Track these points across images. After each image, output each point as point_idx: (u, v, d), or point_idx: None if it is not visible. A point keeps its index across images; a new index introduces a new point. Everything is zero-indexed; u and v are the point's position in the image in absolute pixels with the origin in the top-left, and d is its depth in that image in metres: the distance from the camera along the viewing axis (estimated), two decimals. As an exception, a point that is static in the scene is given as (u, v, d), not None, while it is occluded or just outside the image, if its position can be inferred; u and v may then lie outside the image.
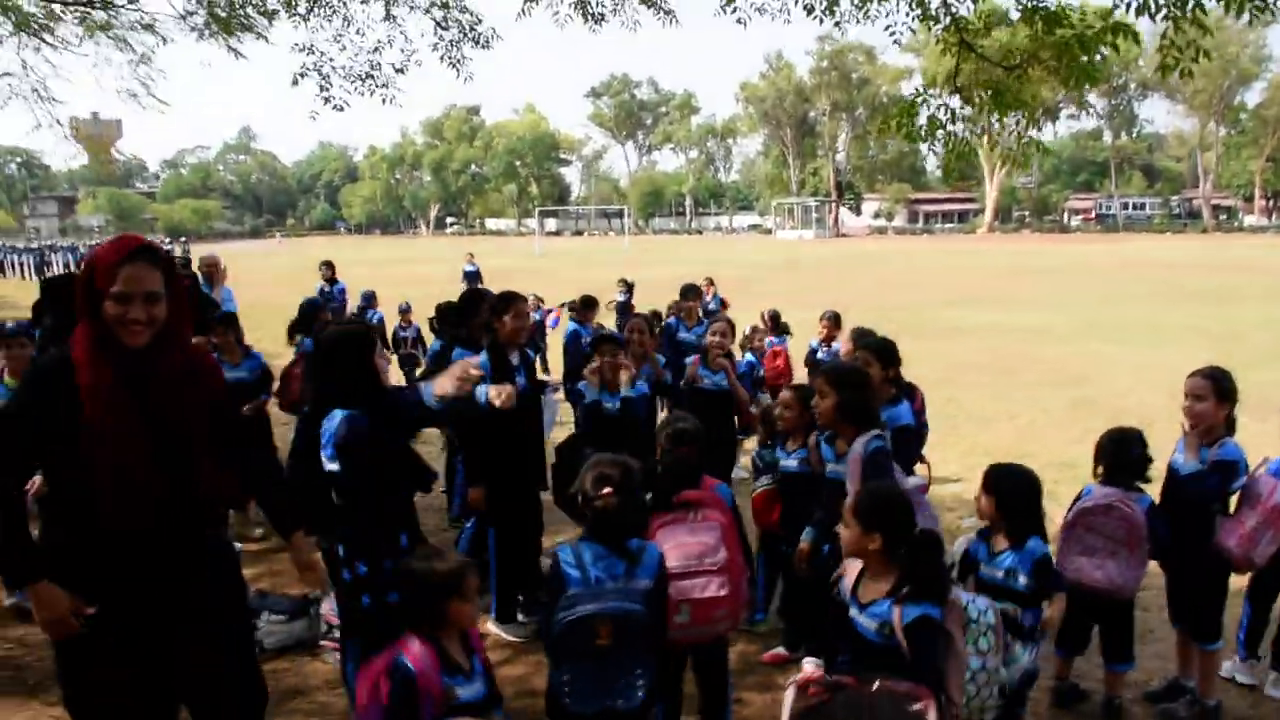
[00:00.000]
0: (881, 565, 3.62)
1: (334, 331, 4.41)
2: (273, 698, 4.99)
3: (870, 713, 3.32)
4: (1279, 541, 4.69)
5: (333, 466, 4.01)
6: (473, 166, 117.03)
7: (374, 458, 4.05)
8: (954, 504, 8.78)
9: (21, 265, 52.02)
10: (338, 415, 4.00)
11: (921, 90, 8.22)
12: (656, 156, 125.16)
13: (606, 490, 3.54)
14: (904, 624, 3.42)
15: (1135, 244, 61.09)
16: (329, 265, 16.10)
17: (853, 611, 3.68)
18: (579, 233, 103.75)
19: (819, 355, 10.11)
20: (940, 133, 8.05)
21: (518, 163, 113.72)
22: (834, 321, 10.19)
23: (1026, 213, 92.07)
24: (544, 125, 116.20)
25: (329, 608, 5.91)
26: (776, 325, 11.15)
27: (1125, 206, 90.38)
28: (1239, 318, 22.32)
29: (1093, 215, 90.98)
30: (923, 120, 7.99)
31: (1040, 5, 7.45)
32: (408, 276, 35.84)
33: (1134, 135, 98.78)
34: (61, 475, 3.09)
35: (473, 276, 24.56)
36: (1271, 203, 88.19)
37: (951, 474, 9.72)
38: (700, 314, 10.76)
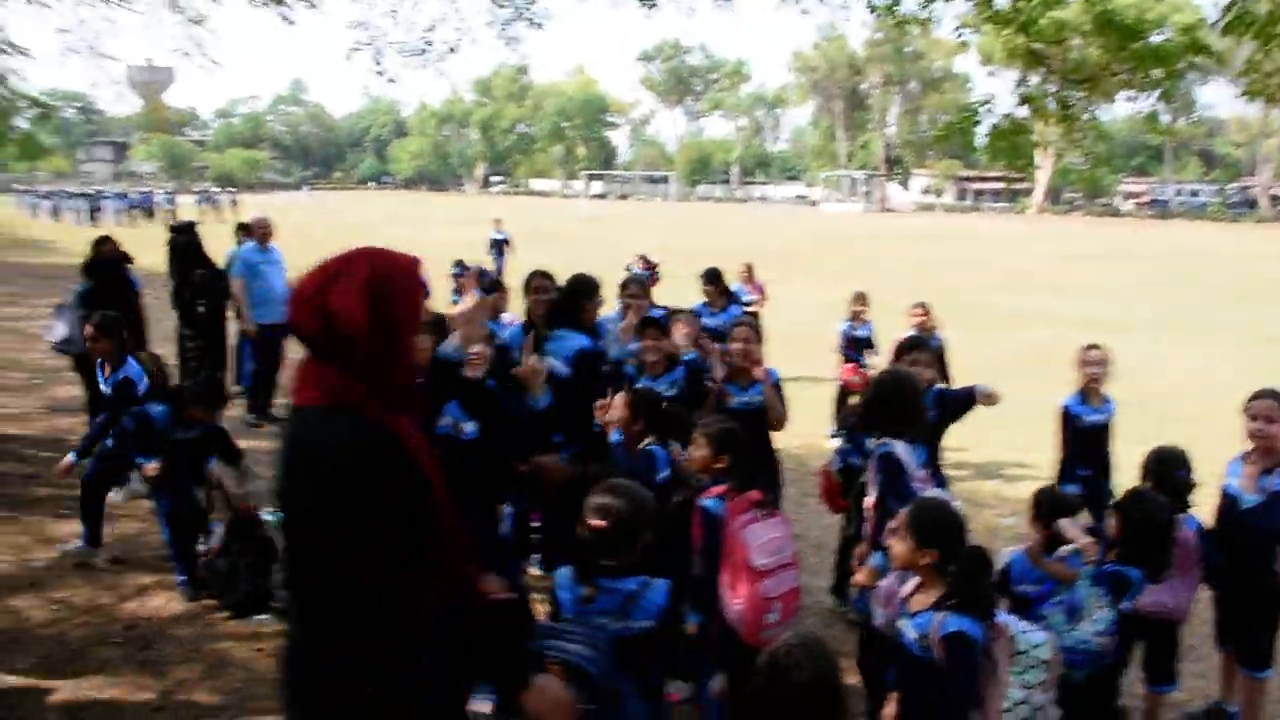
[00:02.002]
0: (932, 579, 3.62)
1: None
2: None
3: None
4: None
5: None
6: (520, 126, 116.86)
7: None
8: (994, 501, 8.75)
9: (76, 210, 52.60)
10: None
11: (983, 101, 8.11)
12: (704, 123, 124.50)
13: (594, 522, 3.37)
14: (941, 635, 3.42)
15: (1188, 232, 59.97)
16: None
17: (901, 622, 3.69)
18: (623, 196, 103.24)
19: (856, 334, 10.32)
20: (1003, 144, 7.93)
21: (565, 124, 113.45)
22: (860, 300, 10.55)
23: (1078, 195, 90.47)
24: (593, 88, 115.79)
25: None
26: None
27: (1179, 192, 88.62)
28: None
29: (1146, 200, 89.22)
30: (985, 130, 7.88)
31: (1116, 17, 7.18)
32: (454, 239, 35.97)
33: (1192, 119, 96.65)
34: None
35: (500, 244, 24.17)
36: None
37: (993, 469, 9.68)
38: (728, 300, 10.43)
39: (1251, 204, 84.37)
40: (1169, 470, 4.70)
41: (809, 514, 7.82)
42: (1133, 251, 42.19)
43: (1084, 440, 5.99)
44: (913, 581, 3.76)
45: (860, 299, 10.71)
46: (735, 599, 4.14)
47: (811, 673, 2.78)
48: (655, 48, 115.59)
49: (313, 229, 39.03)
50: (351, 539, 2.25)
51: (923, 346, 5.75)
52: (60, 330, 8.47)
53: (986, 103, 8.13)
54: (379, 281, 2.33)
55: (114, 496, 7.95)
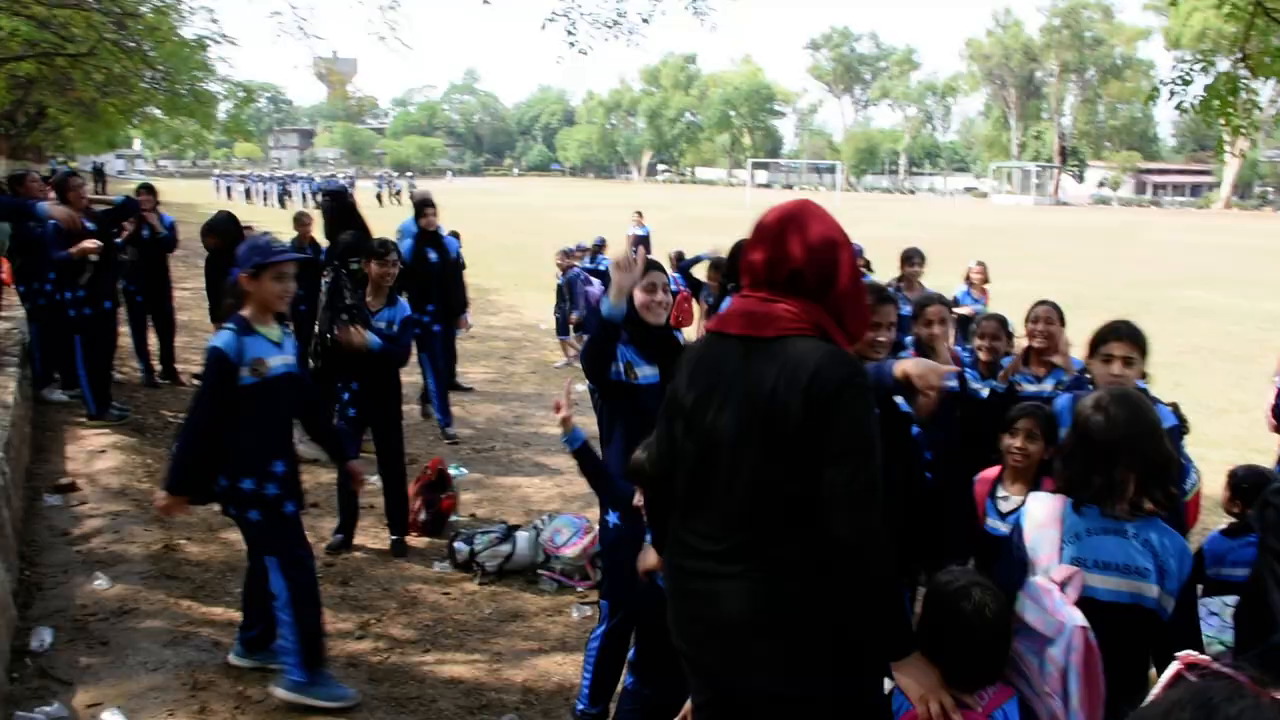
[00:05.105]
0: None
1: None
2: (493, 619, 5.68)
3: None
4: None
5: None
6: (687, 115, 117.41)
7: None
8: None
9: (265, 193, 56.17)
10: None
11: (1200, 60, 7.84)
12: (872, 112, 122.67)
13: None
14: None
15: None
16: None
17: None
18: (789, 186, 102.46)
19: None
20: (1217, 103, 7.60)
21: (732, 113, 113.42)
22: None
23: (1270, 188, 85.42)
24: (760, 76, 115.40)
25: (549, 537, 6.30)
26: None
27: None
28: None
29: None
30: (1199, 90, 7.62)
31: None
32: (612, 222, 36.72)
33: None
34: None
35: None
36: None
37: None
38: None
39: None
40: None
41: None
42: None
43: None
44: None
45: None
46: None
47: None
48: (823, 36, 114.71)
49: (484, 210, 40.20)
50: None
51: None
52: None
53: (1207, 60, 7.93)
54: (835, 225, 2.68)
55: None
